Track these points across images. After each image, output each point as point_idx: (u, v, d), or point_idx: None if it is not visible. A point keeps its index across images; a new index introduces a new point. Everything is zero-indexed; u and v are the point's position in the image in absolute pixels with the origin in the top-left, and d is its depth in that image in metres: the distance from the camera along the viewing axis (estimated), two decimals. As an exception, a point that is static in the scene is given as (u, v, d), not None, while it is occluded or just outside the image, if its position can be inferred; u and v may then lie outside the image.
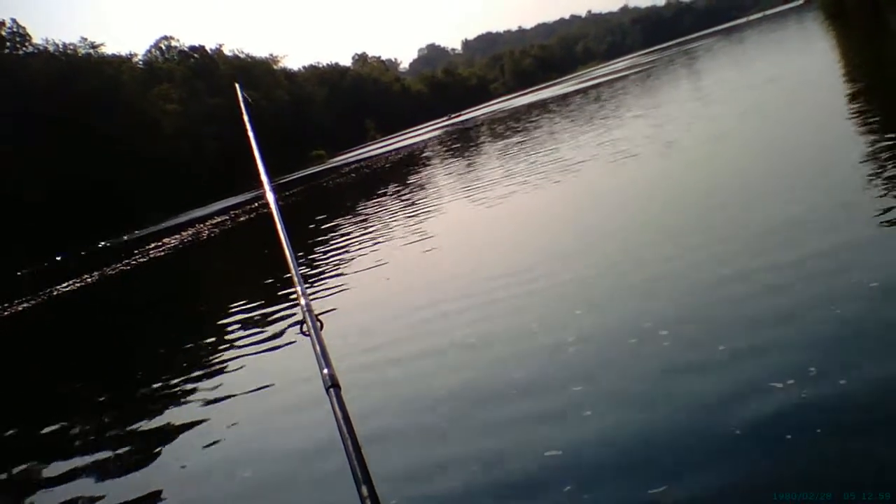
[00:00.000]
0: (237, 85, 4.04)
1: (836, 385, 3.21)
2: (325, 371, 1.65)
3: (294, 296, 2.01)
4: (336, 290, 9.00)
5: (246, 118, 3.31)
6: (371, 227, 13.74)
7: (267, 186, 2.81)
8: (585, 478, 3.20)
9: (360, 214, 16.97)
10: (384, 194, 19.96)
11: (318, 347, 1.77)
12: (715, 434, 3.17)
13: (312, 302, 2.07)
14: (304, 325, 1.95)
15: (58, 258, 49.62)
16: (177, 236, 35.16)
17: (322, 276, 10.10)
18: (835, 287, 4.22)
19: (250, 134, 3.20)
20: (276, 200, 2.68)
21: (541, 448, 3.52)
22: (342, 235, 14.10)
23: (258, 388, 6.14)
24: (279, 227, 2.43)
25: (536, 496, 3.19)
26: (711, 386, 3.59)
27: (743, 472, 2.82)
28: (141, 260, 27.33)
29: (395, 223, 13.06)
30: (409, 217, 13.25)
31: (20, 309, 22.21)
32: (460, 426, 4.13)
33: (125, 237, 55.10)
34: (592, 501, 3.02)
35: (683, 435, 3.26)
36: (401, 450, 4.07)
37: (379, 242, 11.49)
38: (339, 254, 11.75)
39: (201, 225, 38.70)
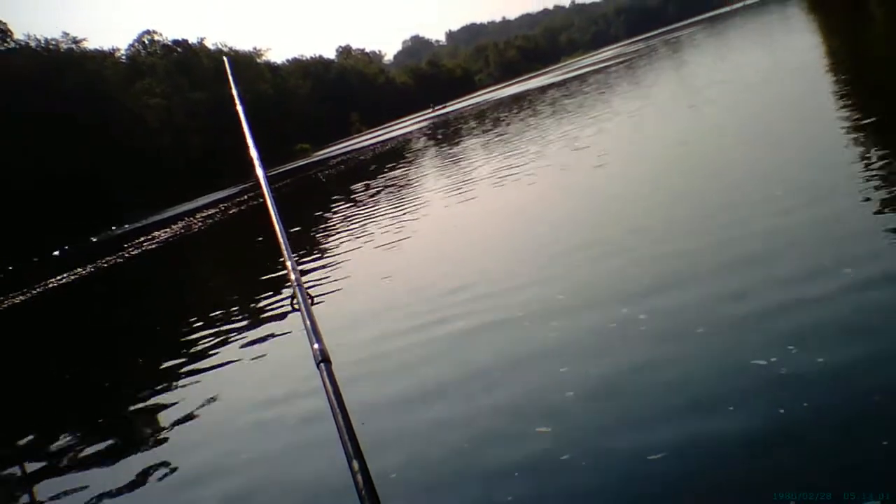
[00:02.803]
0: (226, 59, 4.12)
1: (822, 367, 3.27)
2: (316, 346, 1.63)
3: (286, 276, 2.04)
4: (328, 271, 9.20)
5: (234, 92, 3.29)
6: (360, 215, 13.90)
7: (256, 161, 2.77)
8: (581, 450, 3.30)
9: (349, 204, 17.15)
10: (372, 185, 20.09)
11: (308, 322, 1.75)
12: (696, 414, 3.28)
13: (305, 281, 2.10)
14: (295, 300, 1.93)
15: (55, 253, 49.48)
16: (167, 230, 35.24)
17: (314, 260, 10.34)
18: (810, 273, 4.31)
19: (238, 107, 3.17)
20: (266, 175, 2.66)
21: (531, 424, 3.65)
22: (332, 223, 14.34)
23: (250, 364, 6.36)
24: (268, 200, 2.40)
25: (533, 466, 3.31)
26: (691, 366, 3.72)
27: (736, 467, 2.85)
28: (134, 252, 27.52)
29: (383, 212, 13.20)
30: (397, 207, 13.37)
31: (17, 301, 22.43)
32: (449, 405, 4.26)
33: (107, 233, 54.88)
34: (593, 469, 3.14)
35: (665, 415, 3.36)
36: (392, 425, 4.17)
37: (368, 231, 11.63)
38: (330, 240, 11.98)
39: (191, 218, 38.67)
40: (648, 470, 2.99)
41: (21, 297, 23.45)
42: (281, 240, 2.23)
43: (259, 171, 2.68)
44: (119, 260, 26.14)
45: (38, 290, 24.14)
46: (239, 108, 3.12)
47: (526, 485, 3.20)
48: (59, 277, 26.14)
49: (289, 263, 2.13)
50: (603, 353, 4.24)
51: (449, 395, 4.43)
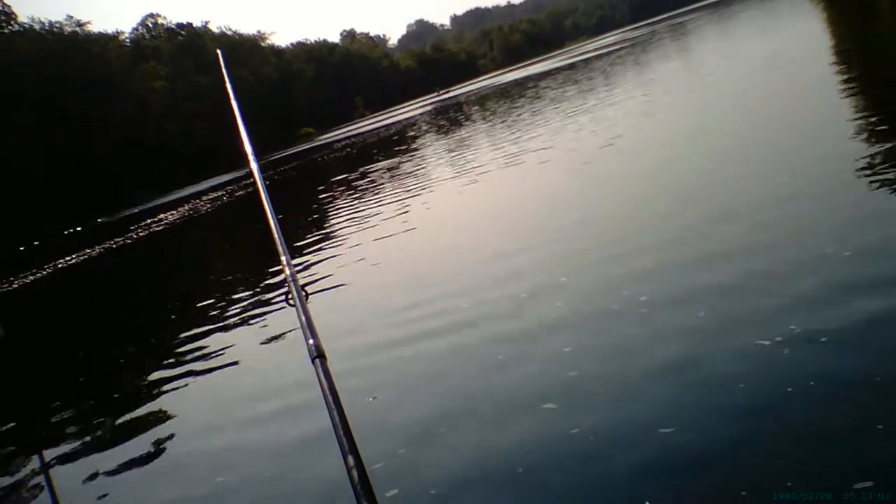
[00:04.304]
0: (219, 52, 4.01)
1: (826, 347, 3.33)
2: (311, 341, 1.62)
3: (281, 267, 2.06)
4: (326, 262, 9.11)
5: (229, 86, 3.25)
6: (361, 202, 13.92)
7: (250, 155, 2.73)
8: (588, 424, 3.37)
9: (350, 190, 17.25)
10: (374, 171, 20.20)
11: (303, 317, 1.75)
12: (699, 394, 3.34)
13: (301, 275, 2.03)
14: (290, 296, 1.92)
15: (68, 231, 49.87)
16: (173, 212, 35.51)
17: (312, 251, 10.22)
18: (810, 258, 4.39)
19: (233, 101, 3.13)
20: (260, 169, 2.63)
21: (538, 401, 3.72)
22: (333, 210, 14.40)
23: (245, 361, 6.33)
24: (263, 196, 2.41)
25: (542, 440, 3.40)
26: (693, 346, 3.78)
27: (739, 454, 2.85)
28: (142, 234, 27.82)
29: (384, 199, 13.20)
30: (398, 194, 13.38)
31: (27, 281, 22.80)
32: (451, 386, 4.28)
33: (99, 220, 55.03)
34: (603, 441, 3.23)
35: (667, 393, 3.42)
36: (389, 418, 4.15)
37: (369, 218, 11.64)
38: (330, 228, 11.98)
39: (197, 201, 38.93)
40: (658, 444, 3.07)
41: (31, 277, 23.82)
42: (276, 236, 2.23)
43: (254, 166, 2.66)
44: (127, 241, 26.46)
45: (44, 271, 24.46)
46: (233, 102, 3.08)
47: (536, 457, 3.28)
48: (67, 258, 26.50)
49: (284, 259, 2.13)
50: (605, 334, 4.32)
51: (450, 376, 4.47)
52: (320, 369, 1.51)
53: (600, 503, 2.91)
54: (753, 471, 2.74)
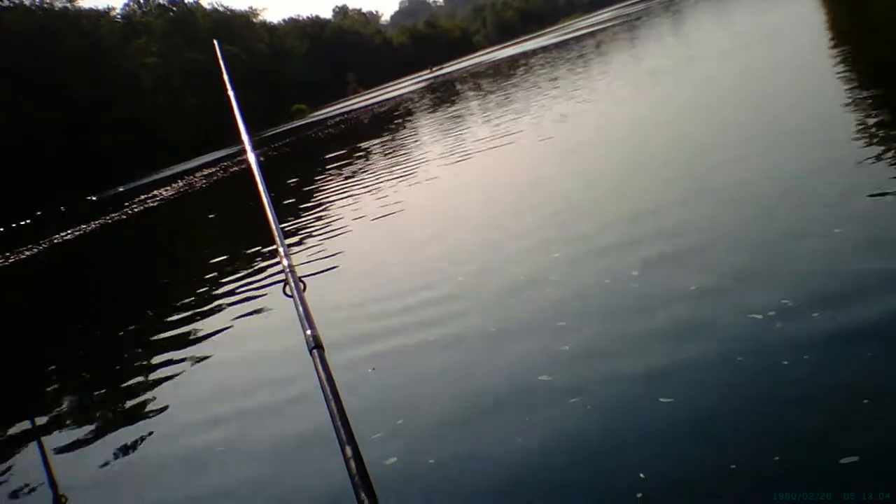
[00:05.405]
0: (216, 42, 4.00)
1: (818, 322, 3.39)
2: (309, 332, 1.63)
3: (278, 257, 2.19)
4: (322, 247, 8.99)
5: (227, 78, 3.23)
6: (355, 181, 13.88)
7: (249, 149, 2.71)
8: (586, 397, 3.44)
9: (344, 168, 17.20)
10: (367, 148, 20.17)
11: (300, 309, 1.76)
12: (691, 369, 3.39)
13: (296, 259, 2.12)
14: (287, 287, 1.92)
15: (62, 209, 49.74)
16: (168, 188, 35.43)
17: (306, 236, 10.07)
18: (799, 236, 4.46)
19: (231, 96, 3.11)
20: (259, 162, 2.59)
21: (533, 373, 3.81)
22: (327, 188, 14.34)
23: (241, 350, 6.23)
24: (261, 189, 2.43)
25: (539, 411, 3.46)
26: (685, 318, 3.87)
27: (740, 435, 2.87)
28: (136, 210, 27.85)
29: (378, 178, 13.17)
30: (392, 172, 13.34)
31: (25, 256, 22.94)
32: (449, 367, 4.31)
33: (94, 197, 54.75)
34: (600, 414, 3.30)
35: (659, 366, 3.48)
36: (388, 391, 4.22)
37: (362, 197, 11.63)
38: (324, 212, 11.80)
39: (191, 177, 38.84)
40: (655, 415, 3.14)
41: (27, 253, 23.93)
42: (274, 228, 2.25)
43: (251, 157, 2.65)
44: (122, 217, 26.55)
45: (40, 247, 24.55)
46: (231, 93, 3.08)
47: (533, 427, 3.36)
48: (63, 234, 26.61)
49: (281, 250, 2.13)
50: (598, 309, 4.41)
51: (447, 353, 4.54)
52: (318, 360, 1.52)
53: (596, 474, 2.96)
54: (751, 443, 2.80)
